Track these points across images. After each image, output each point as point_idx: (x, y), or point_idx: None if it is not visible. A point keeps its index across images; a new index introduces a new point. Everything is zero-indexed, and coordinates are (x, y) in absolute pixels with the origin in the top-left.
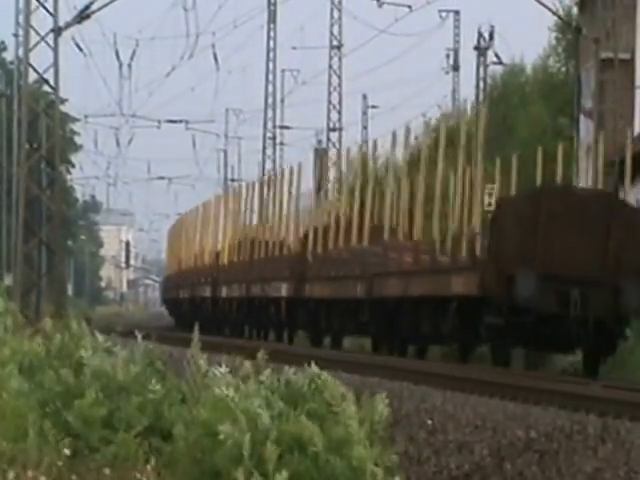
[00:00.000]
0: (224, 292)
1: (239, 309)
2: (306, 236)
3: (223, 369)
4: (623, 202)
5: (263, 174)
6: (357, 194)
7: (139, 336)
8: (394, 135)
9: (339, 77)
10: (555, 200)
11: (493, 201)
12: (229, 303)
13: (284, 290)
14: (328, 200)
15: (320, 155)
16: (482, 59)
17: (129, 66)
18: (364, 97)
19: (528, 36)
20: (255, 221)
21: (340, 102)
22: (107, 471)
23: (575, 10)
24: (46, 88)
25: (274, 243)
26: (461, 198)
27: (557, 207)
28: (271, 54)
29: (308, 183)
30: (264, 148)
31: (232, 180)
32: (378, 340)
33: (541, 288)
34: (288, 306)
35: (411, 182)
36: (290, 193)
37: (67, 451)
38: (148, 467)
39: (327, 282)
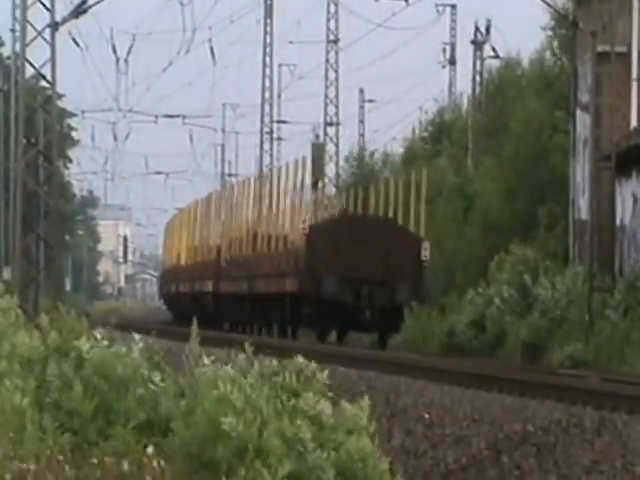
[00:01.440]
0: (181, 288)
1: (189, 302)
2: (221, 245)
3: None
4: (399, 226)
5: (261, 169)
6: (252, 209)
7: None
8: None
9: (336, 71)
10: (351, 225)
11: (307, 225)
12: (183, 297)
13: (210, 286)
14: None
15: (318, 150)
16: (479, 53)
17: (126, 61)
18: (361, 91)
19: (525, 30)
20: (198, 232)
21: (337, 96)
22: (109, 463)
23: (571, 4)
24: (43, 83)
25: (206, 249)
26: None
27: (352, 230)
28: (268, 49)
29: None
30: (261, 143)
31: (229, 175)
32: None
33: (341, 287)
34: (213, 299)
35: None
36: (215, 212)
37: (67, 446)
38: (153, 461)
39: (230, 281)
